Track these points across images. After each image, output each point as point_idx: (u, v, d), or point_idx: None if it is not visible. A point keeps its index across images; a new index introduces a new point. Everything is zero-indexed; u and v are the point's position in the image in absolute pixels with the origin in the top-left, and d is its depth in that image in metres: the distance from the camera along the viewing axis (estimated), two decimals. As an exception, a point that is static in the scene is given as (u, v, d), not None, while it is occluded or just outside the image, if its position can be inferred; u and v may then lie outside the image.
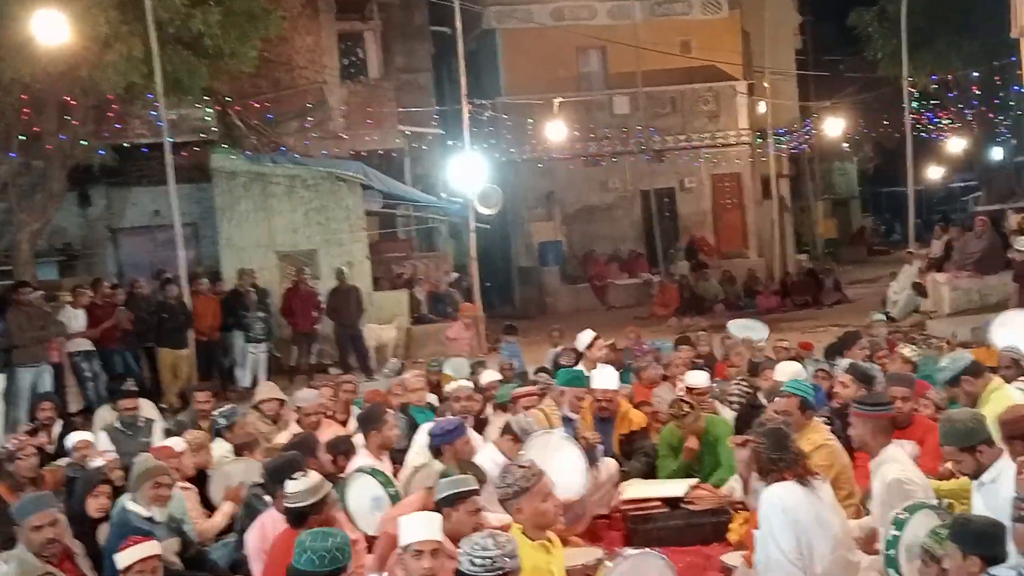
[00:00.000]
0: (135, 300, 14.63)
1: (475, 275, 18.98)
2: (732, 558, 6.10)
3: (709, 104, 27.28)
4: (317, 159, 19.31)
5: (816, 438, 6.35)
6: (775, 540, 5.01)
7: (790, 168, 31.08)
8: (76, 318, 13.36)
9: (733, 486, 6.95)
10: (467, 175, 18.85)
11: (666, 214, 26.96)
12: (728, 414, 8.34)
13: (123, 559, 4.97)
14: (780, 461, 5.18)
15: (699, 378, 8.57)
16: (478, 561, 4.00)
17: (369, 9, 21.85)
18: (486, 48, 26.86)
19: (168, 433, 8.92)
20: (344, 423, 9.06)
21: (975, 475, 4.98)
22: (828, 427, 6.89)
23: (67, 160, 15.13)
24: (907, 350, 9.18)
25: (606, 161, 26.46)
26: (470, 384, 9.11)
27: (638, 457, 8.02)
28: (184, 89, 14.95)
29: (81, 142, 15.10)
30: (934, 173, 40.05)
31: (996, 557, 3.88)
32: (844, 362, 9.28)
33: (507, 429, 6.97)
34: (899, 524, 4.64)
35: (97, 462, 6.97)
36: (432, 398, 9.90)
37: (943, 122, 28.05)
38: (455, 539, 4.63)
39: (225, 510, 7.20)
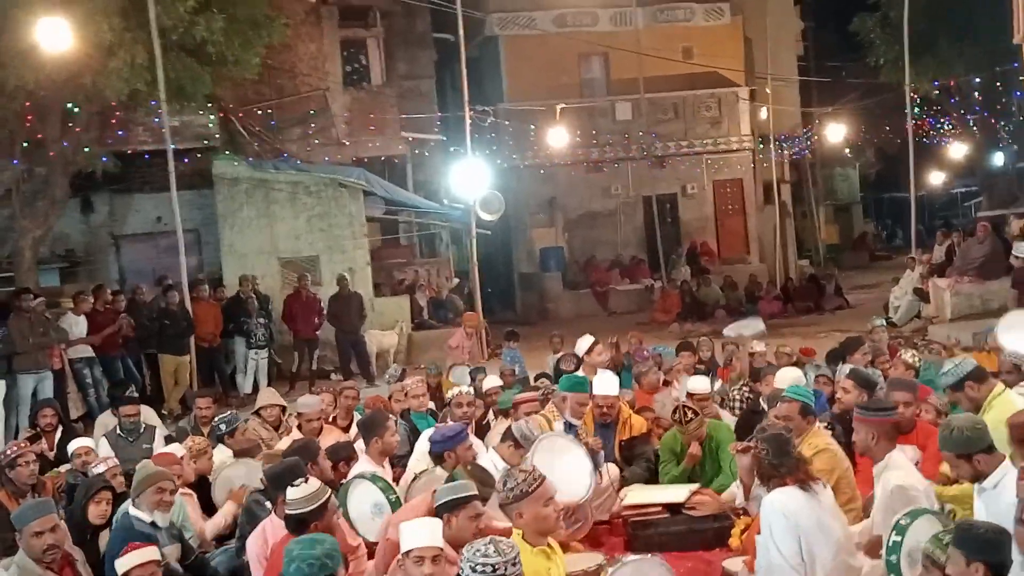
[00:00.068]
0: (137, 306, 14.66)
1: (476, 281, 18.97)
2: (733, 564, 6.09)
3: (711, 110, 27.31)
4: (319, 165, 19.32)
5: (817, 443, 6.35)
6: (776, 545, 5.00)
7: (792, 174, 31.09)
8: (77, 325, 13.36)
9: (735, 491, 6.95)
10: (469, 181, 18.85)
11: (668, 220, 26.96)
12: (729, 418, 8.34)
13: (122, 565, 4.98)
14: (781, 467, 5.18)
15: (700, 383, 8.56)
16: (479, 568, 3.98)
17: (372, 16, 21.88)
18: (488, 55, 26.90)
19: (169, 439, 8.93)
20: (346, 429, 9.06)
21: (973, 481, 4.98)
22: (829, 432, 6.89)
23: (70, 167, 15.15)
24: (909, 355, 9.17)
25: (608, 167, 26.49)
26: (471, 390, 9.11)
27: (639, 463, 8.01)
28: (187, 96, 14.97)
29: (84, 149, 15.12)
30: (936, 179, 40.06)
31: (1000, 564, 3.85)
32: (845, 368, 9.27)
33: (507, 435, 6.97)
34: (901, 530, 4.63)
35: (99, 468, 6.97)
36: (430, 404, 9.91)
37: (945, 126, 28.05)
38: (456, 545, 4.62)
39: (227, 510, 7.21)
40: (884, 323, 13.38)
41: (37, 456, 7.85)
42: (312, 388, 12.91)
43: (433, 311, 19.67)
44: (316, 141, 20.19)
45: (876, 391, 7.45)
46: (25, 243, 14.84)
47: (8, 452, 7.43)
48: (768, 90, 26.41)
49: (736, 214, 27.70)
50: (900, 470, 5.38)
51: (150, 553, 5.06)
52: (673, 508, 7.16)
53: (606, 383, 8.15)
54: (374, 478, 6.51)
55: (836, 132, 29.83)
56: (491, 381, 10.27)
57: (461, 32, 18.84)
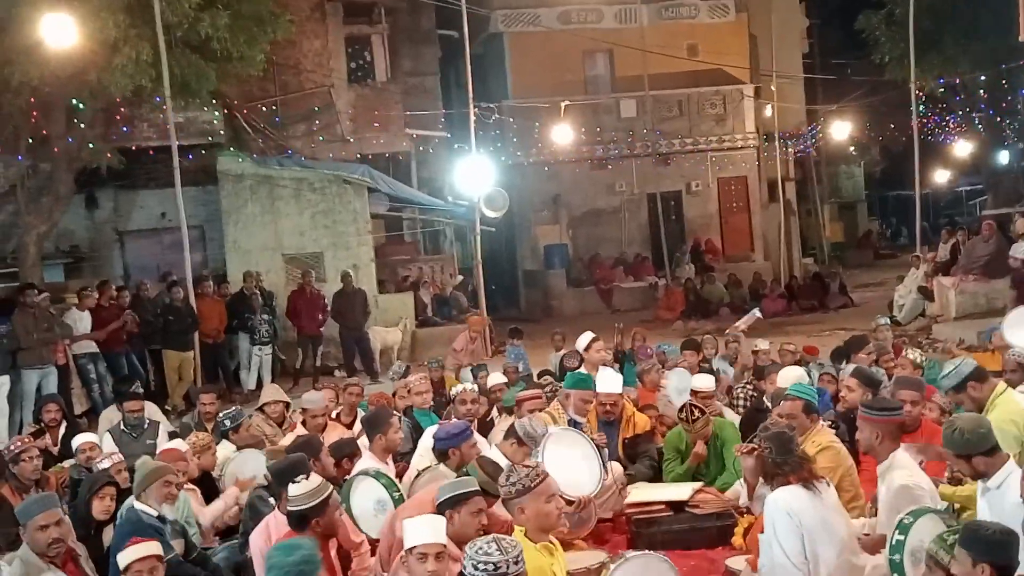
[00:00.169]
0: (141, 302, 14.67)
1: (480, 278, 18.98)
2: (737, 562, 6.09)
3: (716, 108, 27.26)
4: (324, 162, 19.32)
5: (821, 440, 6.36)
6: (780, 544, 5.00)
7: (797, 171, 31.02)
8: (82, 320, 13.39)
9: (738, 490, 6.94)
10: (473, 178, 18.85)
11: (672, 217, 26.92)
12: (733, 416, 8.34)
13: (124, 558, 4.99)
14: (785, 465, 5.18)
15: (705, 381, 8.56)
16: (481, 566, 3.98)
17: (376, 13, 21.87)
18: (493, 52, 26.89)
19: (173, 435, 8.94)
20: (350, 426, 9.07)
21: (975, 479, 4.98)
22: (833, 431, 6.89)
23: (74, 163, 15.16)
24: (913, 354, 9.16)
25: (612, 164, 26.46)
26: (475, 387, 9.12)
27: (643, 460, 8.01)
28: (192, 92, 14.96)
29: (89, 145, 15.13)
30: (941, 177, 40.00)
31: (1007, 565, 3.83)
32: (850, 366, 9.26)
33: (511, 433, 6.97)
34: (903, 528, 4.63)
35: (104, 464, 6.98)
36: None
37: (950, 124, 27.98)
38: (460, 541, 4.62)
39: (230, 493, 7.24)
40: (888, 322, 13.35)
41: (41, 451, 7.89)
42: (316, 384, 12.93)
43: (437, 308, 19.68)
44: (320, 138, 20.18)
45: (880, 390, 7.44)
46: (30, 239, 14.86)
47: (12, 447, 7.46)
48: (773, 87, 26.36)
49: (740, 212, 27.67)
50: (905, 469, 5.38)
51: (152, 547, 5.07)
52: (676, 506, 7.17)
53: (609, 381, 8.16)
54: (378, 475, 6.52)
55: (841, 130, 29.78)
56: (495, 378, 10.27)
57: (466, 29, 18.85)
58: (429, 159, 23.22)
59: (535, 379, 11.02)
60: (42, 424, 9.89)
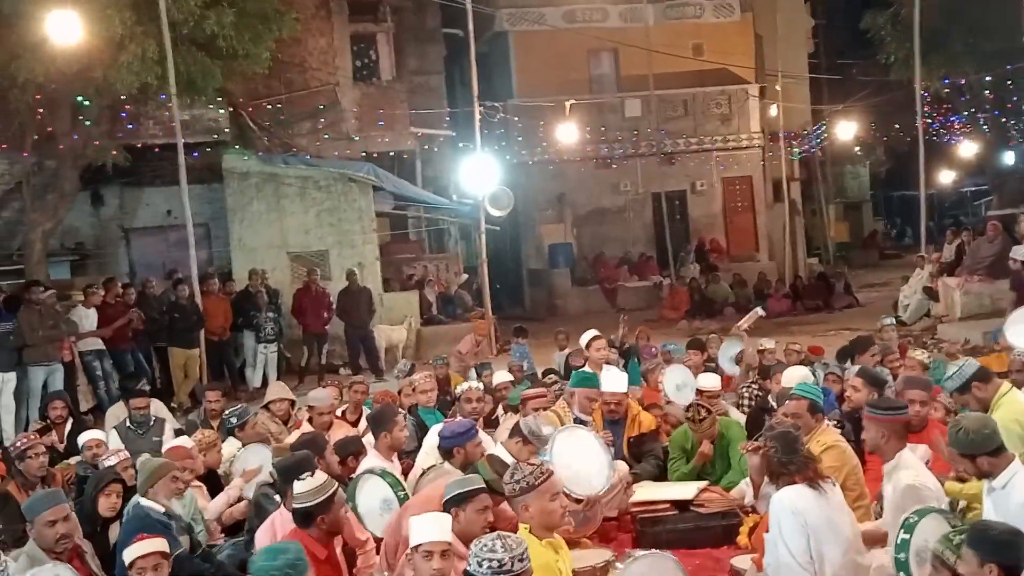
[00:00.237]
0: (147, 300, 14.69)
1: (485, 277, 18.98)
2: (742, 561, 6.09)
3: (721, 107, 27.23)
4: (329, 160, 19.34)
5: (826, 440, 6.36)
6: (785, 543, 5.00)
7: (802, 171, 31.00)
8: (88, 317, 13.42)
9: (743, 489, 6.94)
10: (478, 177, 18.85)
11: (677, 217, 26.91)
12: (738, 415, 8.34)
13: (130, 553, 4.99)
14: (790, 464, 5.18)
15: (710, 381, 8.56)
16: (486, 564, 3.98)
17: (382, 11, 21.88)
18: (498, 50, 26.88)
19: (178, 432, 8.96)
20: (355, 424, 9.08)
21: (979, 479, 4.98)
22: (838, 430, 6.89)
23: (80, 160, 15.19)
24: (920, 354, 9.15)
25: (617, 164, 26.43)
26: (480, 385, 9.13)
27: (648, 459, 8.02)
28: (197, 90, 14.99)
29: (94, 142, 15.16)
30: (946, 177, 39.88)
31: (1015, 565, 3.82)
32: (855, 366, 9.25)
33: (516, 431, 6.97)
34: (909, 527, 4.63)
35: (110, 461, 7.00)
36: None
37: (955, 123, 27.93)
38: (466, 539, 4.62)
39: (235, 484, 7.25)
40: (893, 322, 13.31)
41: (47, 448, 7.90)
42: (321, 382, 12.93)
43: (442, 306, 19.68)
44: (326, 136, 20.21)
45: (885, 389, 7.44)
46: (35, 236, 14.90)
47: (18, 444, 7.47)
48: (778, 87, 26.35)
49: (745, 211, 27.63)
50: (911, 469, 5.38)
51: (157, 544, 5.06)
52: (681, 505, 7.17)
53: (614, 380, 8.16)
54: (383, 474, 6.52)
55: (846, 129, 29.71)
56: (501, 377, 10.28)
57: (471, 27, 18.85)
58: (434, 158, 23.21)
59: (539, 378, 11.01)
60: (48, 421, 9.90)
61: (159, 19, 13.34)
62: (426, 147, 22.69)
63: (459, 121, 23.54)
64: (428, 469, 6.91)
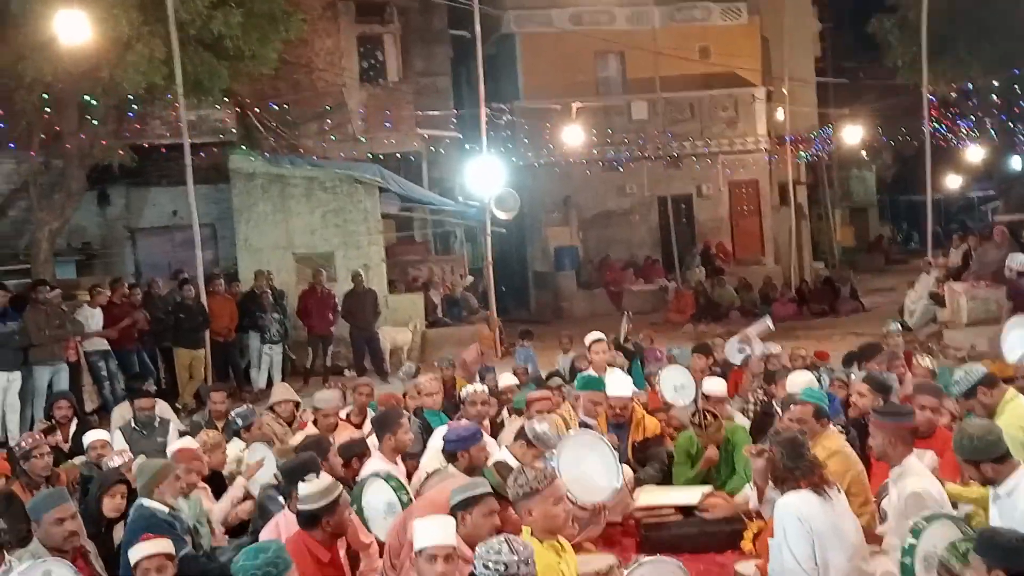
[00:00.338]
0: (152, 300, 14.71)
1: (491, 279, 18.98)
2: (746, 567, 6.07)
3: (727, 110, 27.22)
4: (335, 161, 19.35)
5: (830, 445, 6.34)
6: (790, 549, 4.99)
7: (808, 175, 30.98)
8: (93, 317, 13.43)
9: (748, 494, 6.93)
10: (484, 179, 18.85)
11: (683, 220, 26.91)
12: (743, 420, 8.31)
13: (136, 553, 4.99)
14: (796, 470, 5.16)
15: (716, 385, 8.54)
16: (492, 567, 3.98)
17: (389, 12, 21.90)
18: (505, 52, 26.89)
19: (183, 433, 8.95)
20: (359, 426, 9.07)
21: (984, 485, 4.96)
22: (844, 436, 6.87)
23: (86, 159, 15.20)
24: (926, 360, 9.13)
25: (623, 166, 26.43)
26: (485, 388, 9.11)
27: (652, 464, 8.00)
28: (204, 90, 15.01)
29: (101, 142, 15.17)
30: (953, 182, 39.85)
31: (1022, 573, 3.83)
32: (860, 372, 9.23)
33: (520, 434, 6.96)
34: (916, 533, 4.61)
35: (115, 461, 6.99)
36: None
37: (962, 127, 27.86)
38: (472, 543, 4.61)
39: (238, 482, 7.24)
40: (899, 327, 13.27)
41: (52, 448, 7.89)
42: (326, 384, 12.93)
43: (447, 309, 19.69)
44: (332, 137, 20.23)
45: (890, 395, 7.42)
46: (42, 235, 14.91)
47: (23, 444, 7.46)
48: (785, 91, 26.31)
49: (751, 215, 27.62)
50: (917, 476, 5.36)
51: (162, 545, 5.07)
52: (686, 510, 7.16)
53: (619, 384, 8.16)
54: (388, 477, 6.51)
55: (853, 133, 29.70)
56: (507, 380, 10.26)
57: (478, 29, 18.85)
58: (440, 159, 23.23)
59: (544, 380, 10.99)
60: (53, 421, 9.91)
61: (166, 19, 13.36)
62: (432, 149, 22.73)
63: (466, 123, 23.56)
64: (432, 473, 6.89)
